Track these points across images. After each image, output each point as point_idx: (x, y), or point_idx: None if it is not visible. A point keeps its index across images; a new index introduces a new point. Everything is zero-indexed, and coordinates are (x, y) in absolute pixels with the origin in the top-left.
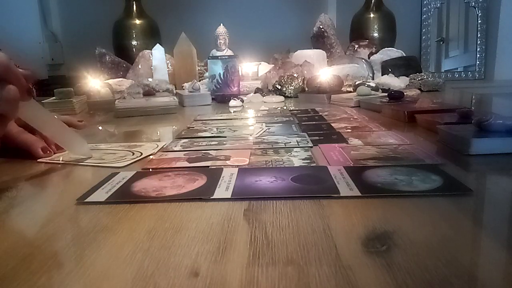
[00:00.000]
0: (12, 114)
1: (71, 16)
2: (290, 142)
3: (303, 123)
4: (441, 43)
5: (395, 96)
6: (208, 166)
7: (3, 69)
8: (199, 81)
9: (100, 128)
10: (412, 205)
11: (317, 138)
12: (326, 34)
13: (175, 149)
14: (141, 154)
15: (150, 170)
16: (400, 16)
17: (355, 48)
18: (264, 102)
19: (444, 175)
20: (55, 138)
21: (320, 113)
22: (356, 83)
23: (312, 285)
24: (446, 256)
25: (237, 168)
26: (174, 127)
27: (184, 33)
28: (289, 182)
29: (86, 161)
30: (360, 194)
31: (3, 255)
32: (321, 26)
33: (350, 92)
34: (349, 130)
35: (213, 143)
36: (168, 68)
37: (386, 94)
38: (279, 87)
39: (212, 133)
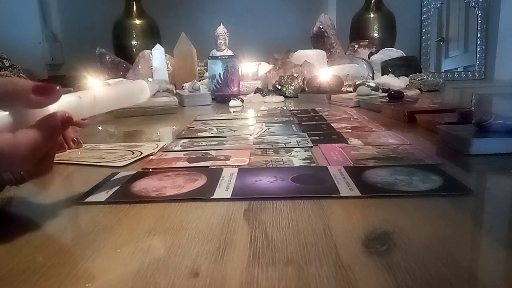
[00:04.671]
0: None
1: (71, 16)
2: (290, 142)
3: (303, 123)
4: (441, 43)
5: (395, 96)
6: (208, 166)
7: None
8: (199, 81)
9: (100, 128)
10: (412, 205)
11: (317, 138)
12: (326, 34)
13: (175, 149)
14: (141, 154)
15: (150, 170)
16: (400, 16)
17: (355, 48)
18: (264, 102)
19: (444, 175)
20: (120, 106)
21: (320, 113)
22: (356, 83)
23: (312, 285)
24: (446, 256)
25: (237, 168)
26: (174, 127)
27: (184, 33)
28: (289, 182)
29: (86, 161)
30: (360, 194)
31: (3, 255)
32: (321, 26)
33: (350, 92)
34: (349, 130)
35: (213, 143)
36: (168, 68)
37: (386, 94)
38: (279, 87)
39: (212, 133)
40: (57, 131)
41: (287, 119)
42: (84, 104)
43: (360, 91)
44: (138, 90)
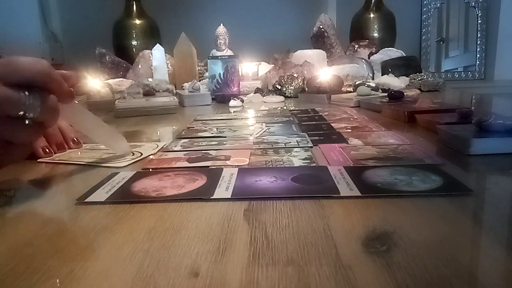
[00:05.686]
0: (51, 123)
1: (71, 16)
2: (290, 142)
3: (303, 123)
4: (441, 43)
5: (395, 96)
6: (208, 166)
7: (45, 78)
8: (199, 81)
9: None
10: (412, 205)
11: (317, 138)
12: (326, 34)
13: (175, 149)
14: (141, 154)
15: (150, 170)
16: (400, 16)
17: (355, 48)
18: (264, 102)
19: (444, 175)
20: (95, 137)
21: (320, 113)
22: (356, 83)
23: (312, 285)
24: (446, 256)
25: (237, 168)
26: (174, 127)
27: (184, 33)
28: (289, 182)
29: (86, 161)
30: (360, 194)
31: (3, 255)
32: (321, 26)
33: (350, 92)
34: (349, 130)
35: (213, 143)
36: (168, 68)
37: (386, 94)
38: (279, 87)
39: (212, 133)
40: (51, 71)
41: (287, 119)
42: (78, 110)
43: (360, 91)
44: (118, 140)
